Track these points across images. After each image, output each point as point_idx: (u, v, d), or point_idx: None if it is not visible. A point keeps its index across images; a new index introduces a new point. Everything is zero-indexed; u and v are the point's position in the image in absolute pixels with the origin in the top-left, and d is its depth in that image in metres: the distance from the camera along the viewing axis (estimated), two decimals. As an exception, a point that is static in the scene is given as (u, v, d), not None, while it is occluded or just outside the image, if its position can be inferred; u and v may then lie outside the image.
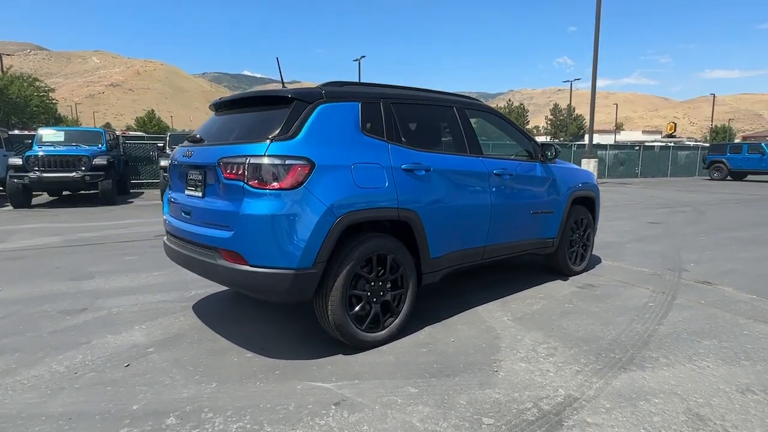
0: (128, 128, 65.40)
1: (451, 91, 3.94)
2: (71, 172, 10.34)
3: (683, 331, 3.28)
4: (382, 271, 3.01)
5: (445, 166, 3.37)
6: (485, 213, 3.66)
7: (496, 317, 3.56)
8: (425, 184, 3.20)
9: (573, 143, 26.61)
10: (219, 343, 3.07)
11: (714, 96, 55.54)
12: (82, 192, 11.67)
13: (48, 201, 11.80)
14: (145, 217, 8.97)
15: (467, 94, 4.46)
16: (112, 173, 10.97)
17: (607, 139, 52.58)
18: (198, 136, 3.15)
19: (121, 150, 13.98)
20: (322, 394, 2.42)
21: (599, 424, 2.15)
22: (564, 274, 4.73)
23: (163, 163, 11.27)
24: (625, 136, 76.03)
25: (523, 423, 2.16)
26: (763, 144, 21.90)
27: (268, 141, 2.66)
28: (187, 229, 3.04)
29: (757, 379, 2.59)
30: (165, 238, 3.47)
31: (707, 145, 27.81)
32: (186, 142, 3.35)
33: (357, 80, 3.54)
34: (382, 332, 3.04)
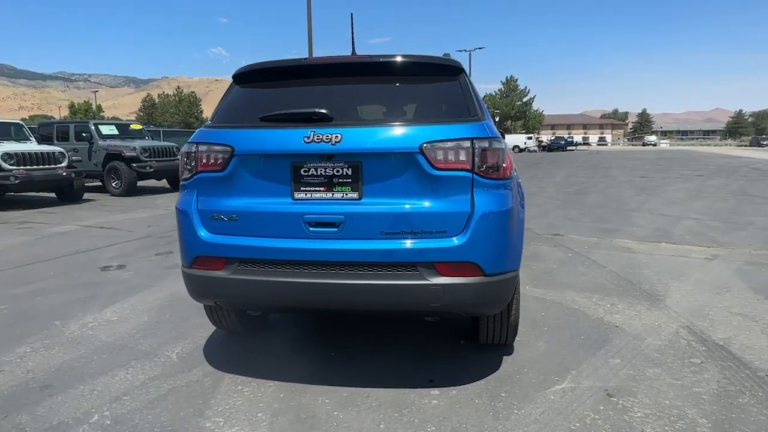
0: None
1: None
2: None
3: (626, 266, 4.57)
4: None
5: None
6: None
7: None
8: None
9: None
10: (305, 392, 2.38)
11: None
12: None
13: None
14: None
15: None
16: None
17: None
18: (326, 112, 2.23)
19: None
20: (584, 392, 2.35)
21: (728, 337, 2.95)
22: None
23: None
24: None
25: (696, 360, 2.67)
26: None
27: (478, 120, 2.27)
28: (340, 247, 2.18)
29: (730, 278, 4.00)
30: (237, 272, 2.27)
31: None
32: (253, 123, 2.34)
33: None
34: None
